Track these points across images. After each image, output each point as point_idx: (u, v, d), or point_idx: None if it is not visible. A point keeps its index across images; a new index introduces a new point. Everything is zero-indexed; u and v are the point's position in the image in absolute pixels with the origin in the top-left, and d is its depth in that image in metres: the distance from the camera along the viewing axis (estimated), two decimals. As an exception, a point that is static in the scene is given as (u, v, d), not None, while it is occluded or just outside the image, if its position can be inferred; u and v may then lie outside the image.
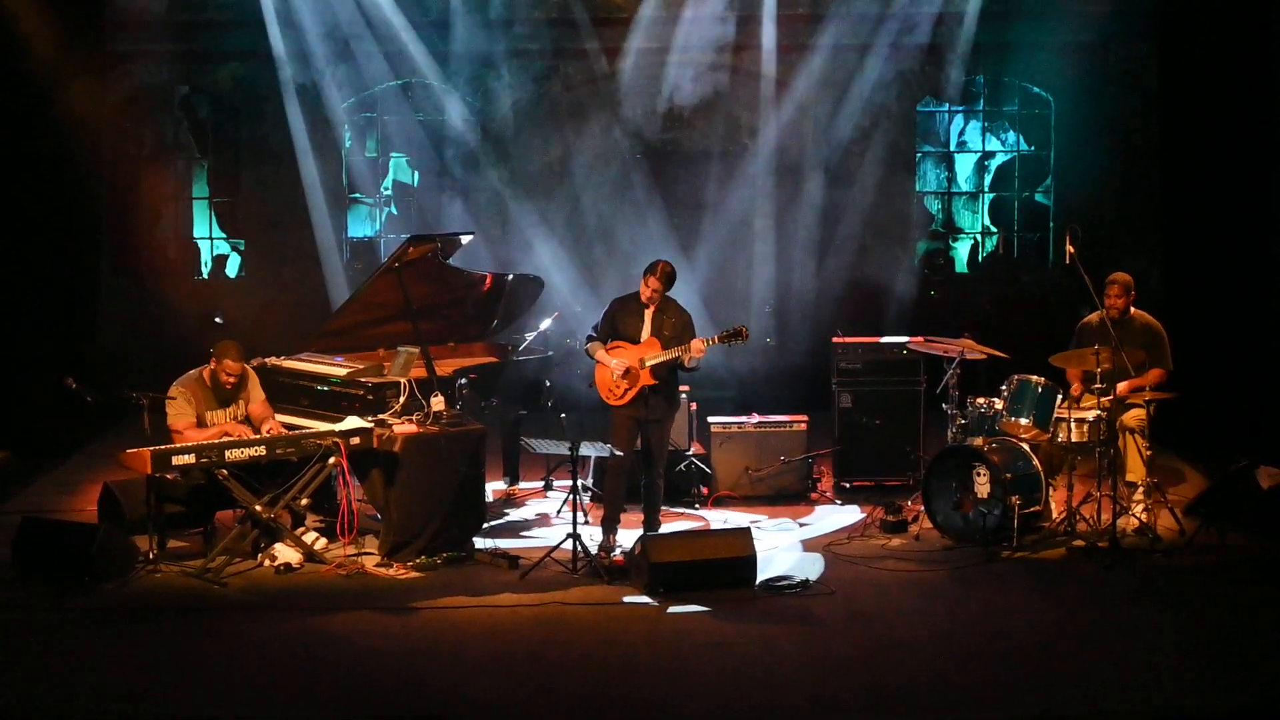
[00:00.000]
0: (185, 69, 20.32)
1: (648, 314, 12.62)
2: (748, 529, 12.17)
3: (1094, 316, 13.33)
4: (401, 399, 12.77)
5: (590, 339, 12.82)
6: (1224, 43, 16.49)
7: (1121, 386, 12.85)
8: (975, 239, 20.97)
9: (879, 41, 19.61)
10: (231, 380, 12.70)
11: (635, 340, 12.58)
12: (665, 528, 13.00)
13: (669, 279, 12.56)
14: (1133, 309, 13.40)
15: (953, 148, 20.85)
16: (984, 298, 20.20)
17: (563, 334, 15.61)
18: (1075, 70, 19.83)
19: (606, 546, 12.50)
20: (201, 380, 12.74)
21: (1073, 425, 12.84)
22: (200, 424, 12.61)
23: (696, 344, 12.29)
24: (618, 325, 12.72)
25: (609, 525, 12.70)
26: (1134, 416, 13.06)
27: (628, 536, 12.53)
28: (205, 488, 12.23)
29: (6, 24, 16.39)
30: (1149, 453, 13.07)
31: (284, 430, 12.73)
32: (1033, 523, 12.79)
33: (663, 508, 13.09)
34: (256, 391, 12.99)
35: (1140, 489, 13.03)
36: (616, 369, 12.50)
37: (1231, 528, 12.72)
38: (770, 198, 19.97)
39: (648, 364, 12.37)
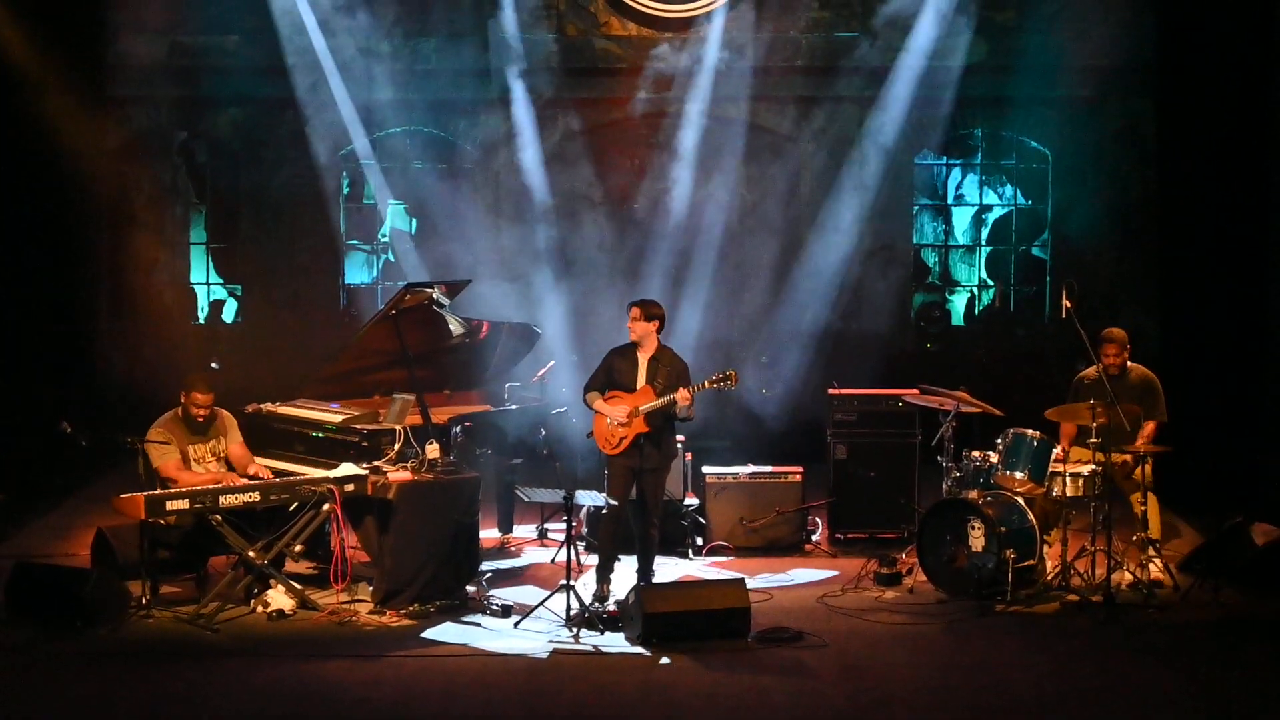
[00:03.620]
0: (184, 114, 20.38)
1: (642, 363, 12.65)
2: (742, 580, 12.15)
3: (1091, 371, 13.33)
4: (396, 446, 12.75)
5: (587, 389, 12.83)
6: (1221, 100, 16.54)
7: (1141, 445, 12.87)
8: (972, 292, 20.99)
9: (877, 94, 19.64)
10: (203, 413, 12.73)
11: (631, 389, 12.60)
12: (659, 577, 12.99)
13: (647, 313, 12.60)
14: (1129, 363, 13.43)
15: (950, 201, 20.89)
16: (980, 351, 20.21)
17: (558, 383, 15.61)
18: (1073, 125, 19.91)
19: (600, 595, 12.49)
20: (176, 417, 12.79)
21: (1068, 480, 12.85)
22: (184, 460, 12.62)
23: (682, 393, 12.32)
24: (614, 375, 12.74)
25: (603, 574, 12.69)
26: (1147, 472, 13.04)
27: (621, 586, 12.51)
28: (198, 533, 12.21)
29: (6, 68, 16.44)
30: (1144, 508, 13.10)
31: (268, 474, 12.74)
32: (1027, 576, 12.75)
33: (656, 557, 13.08)
34: (235, 435, 13.01)
35: (1149, 544, 12.98)
36: (613, 418, 12.51)
37: (1226, 583, 12.68)
38: (766, 249, 19.99)
39: (641, 411, 12.38)
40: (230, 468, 12.89)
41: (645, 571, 12.80)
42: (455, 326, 14.15)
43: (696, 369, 12.95)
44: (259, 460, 13.06)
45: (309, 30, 19.24)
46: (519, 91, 19.71)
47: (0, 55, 16.40)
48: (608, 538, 12.79)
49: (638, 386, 12.58)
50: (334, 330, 19.63)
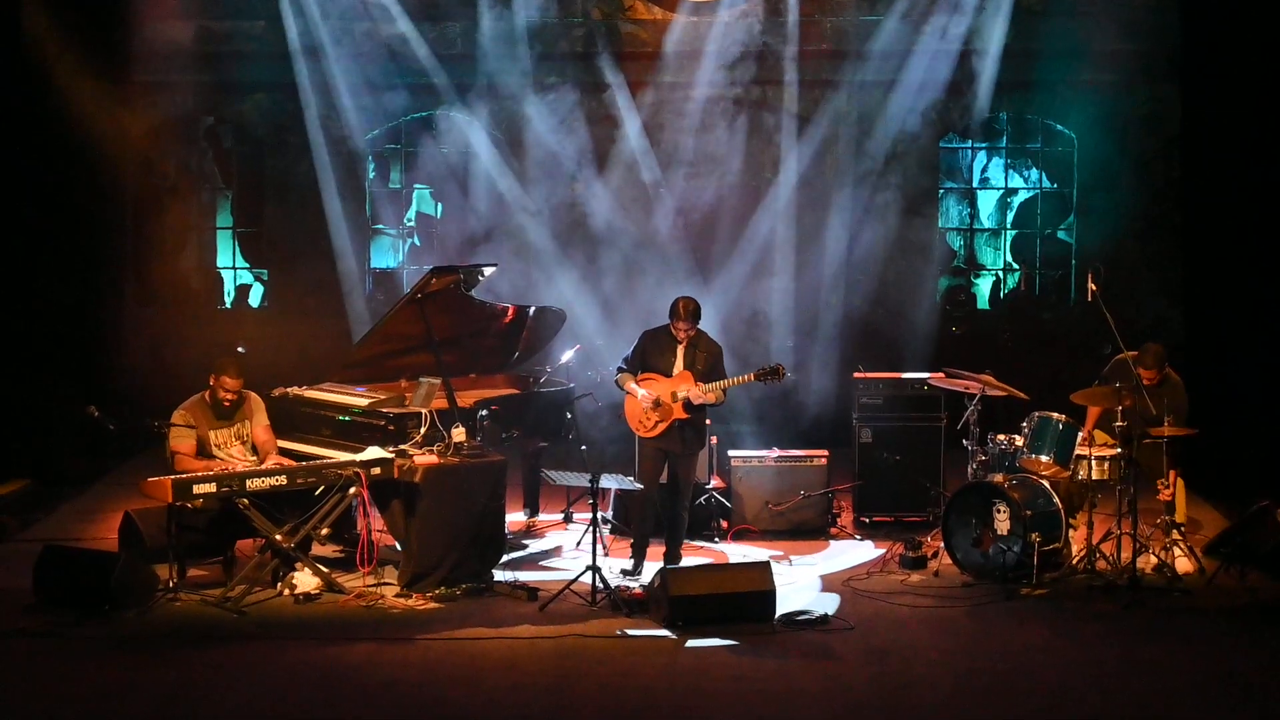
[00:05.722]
0: (210, 100, 20.40)
1: (680, 347, 12.68)
2: (767, 563, 12.15)
3: (1129, 355, 13.20)
4: (423, 430, 12.77)
5: (620, 370, 12.87)
6: (1246, 87, 16.50)
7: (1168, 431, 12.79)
8: (997, 276, 20.96)
9: (902, 78, 19.62)
10: (230, 397, 12.76)
11: (667, 374, 12.63)
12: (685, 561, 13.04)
13: (694, 315, 12.63)
14: (1168, 370, 13.30)
15: (975, 184, 20.86)
16: (1005, 334, 20.20)
17: (584, 366, 15.63)
18: (1098, 110, 19.88)
19: (633, 570, 12.57)
20: (203, 400, 12.82)
21: (1093, 463, 12.84)
22: (203, 444, 12.68)
23: (694, 391, 12.41)
24: (648, 358, 12.77)
25: (638, 551, 12.81)
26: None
27: (648, 569, 12.56)
28: (225, 516, 12.24)
29: (33, 53, 16.48)
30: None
31: (284, 463, 12.76)
32: (1052, 560, 12.74)
33: (684, 540, 13.12)
34: (261, 418, 13.04)
35: (1176, 528, 12.96)
36: (646, 401, 12.54)
37: (1252, 568, 12.68)
38: (792, 233, 19.98)
39: (679, 398, 12.44)
40: (255, 452, 12.93)
41: (673, 554, 12.85)
42: (481, 310, 14.17)
43: (724, 354, 12.97)
44: (282, 444, 13.10)
45: (335, 14, 19.31)
46: (544, 75, 19.71)
47: (28, 40, 16.45)
48: (639, 521, 12.86)
49: (675, 371, 12.62)
50: (360, 314, 19.68)
